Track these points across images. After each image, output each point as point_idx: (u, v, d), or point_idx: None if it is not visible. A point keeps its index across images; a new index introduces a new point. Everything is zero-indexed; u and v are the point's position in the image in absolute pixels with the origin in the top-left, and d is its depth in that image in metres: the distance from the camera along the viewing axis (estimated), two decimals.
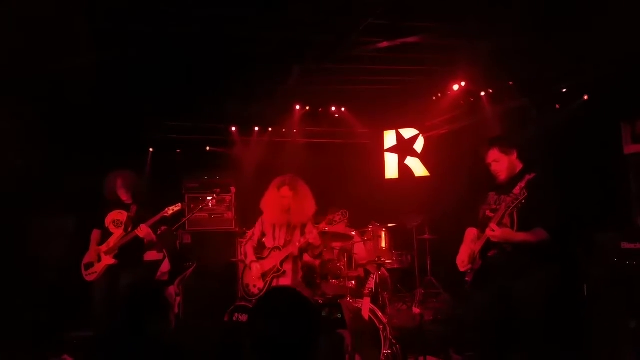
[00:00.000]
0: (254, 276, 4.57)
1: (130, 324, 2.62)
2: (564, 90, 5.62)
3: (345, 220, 4.54)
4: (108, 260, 4.74)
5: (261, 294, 4.46)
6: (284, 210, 4.56)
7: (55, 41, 4.66)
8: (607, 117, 4.97)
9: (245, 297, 4.75)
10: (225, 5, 4.62)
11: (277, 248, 4.56)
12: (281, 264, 4.50)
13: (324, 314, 4.65)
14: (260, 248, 4.74)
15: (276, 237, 4.63)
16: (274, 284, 4.48)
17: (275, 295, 1.86)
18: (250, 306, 4.97)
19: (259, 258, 4.65)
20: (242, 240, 6.62)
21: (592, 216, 4.57)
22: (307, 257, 4.76)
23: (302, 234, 4.53)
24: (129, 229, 4.78)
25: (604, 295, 4.00)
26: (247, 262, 4.67)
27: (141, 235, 4.70)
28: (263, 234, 4.74)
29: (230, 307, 5.15)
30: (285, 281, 4.50)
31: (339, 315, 4.52)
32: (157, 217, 4.74)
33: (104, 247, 4.80)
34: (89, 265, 4.84)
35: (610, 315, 3.92)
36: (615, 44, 4.57)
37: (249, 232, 4.87)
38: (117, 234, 4.81)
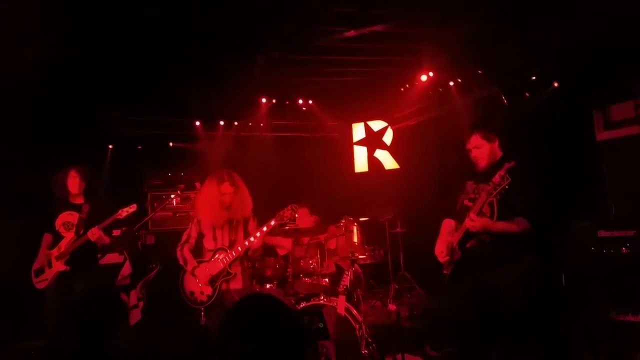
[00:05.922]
0: (202, 282, 4.22)
1: (85, 333, 2.35)
2: (534, 78, 5.58)
3: (296, 215, 4.20)
4: (59, 266, 4.40)
5: (210, 301, 4.17)
6: (225, 208, 4.25)
7: (5, 32, 4.35)
8: (578, 104, 4.93)
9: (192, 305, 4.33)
10: None
11: (222, 249, 4.23)
12: (230, 266, 4.20)
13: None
14: (198, 250, 4.38)
15: (217, 237, 4.29)
16: (224, 287, 4.20)
17: (250, 305, 1.53)
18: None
19: (200, 262, 4.29)
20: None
21: (568, 204, 4.52)
22: (250, 254, 4.46)
23: (246, 231, 4.28)
24: (81, 232, 4.44)
25: (583, 285, 3.94)
26: (189, 268, 4.28)
27: (93, 240, 4.37)
28: (201, 235, 4.38)
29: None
30: (236, 284, 4.22)
31: (321, 325, 4.19)
32: (110, 220, 4.41)
33: (54, 252, 4.45)
34: (39, 272, 4.49)
35: (590, 305, 3.86)
36: (583, 31, 4.51)
37: (184, 235, 4.46)
38: (68, 237, 4.46)
